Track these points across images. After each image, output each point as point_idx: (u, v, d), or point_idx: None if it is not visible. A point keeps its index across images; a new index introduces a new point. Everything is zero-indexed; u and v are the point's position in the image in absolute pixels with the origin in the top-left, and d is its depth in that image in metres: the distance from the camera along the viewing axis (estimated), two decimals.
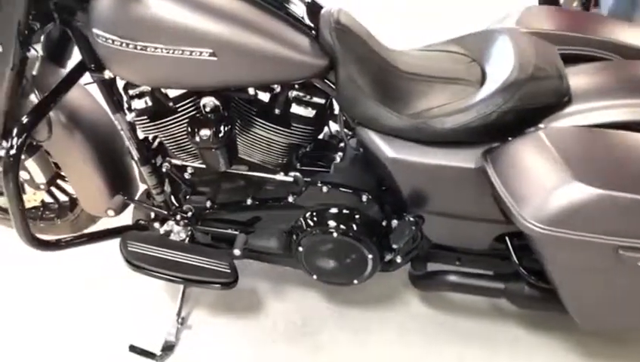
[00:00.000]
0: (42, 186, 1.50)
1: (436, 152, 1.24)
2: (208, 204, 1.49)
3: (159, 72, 1.20)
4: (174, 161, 1.46)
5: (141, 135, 1.41)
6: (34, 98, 1.33)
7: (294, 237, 1.47)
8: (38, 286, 1.79)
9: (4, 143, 1.27)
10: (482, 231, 1.35)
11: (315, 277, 1.52)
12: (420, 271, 1.53)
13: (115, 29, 1.14)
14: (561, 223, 1.03)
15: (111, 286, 1.77)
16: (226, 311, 1.70)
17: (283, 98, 1.32)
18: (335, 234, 1.40)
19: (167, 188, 1.49)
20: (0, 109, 1.30)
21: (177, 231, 1.54)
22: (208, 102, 1.29)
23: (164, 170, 1.45)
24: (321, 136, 1.48)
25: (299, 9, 1.26)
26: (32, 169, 1.46)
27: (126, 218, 1.60)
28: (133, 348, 1.57)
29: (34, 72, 1.32)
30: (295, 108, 1.33)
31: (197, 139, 1.28)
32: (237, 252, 1.43)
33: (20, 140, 1.23)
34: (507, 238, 1.37)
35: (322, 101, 1.33)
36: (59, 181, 1.64)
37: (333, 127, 1.47)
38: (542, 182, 1.06)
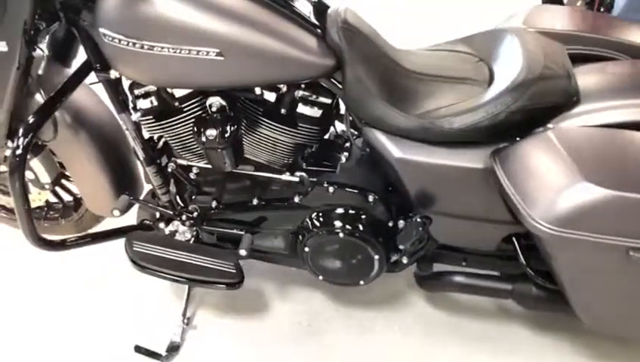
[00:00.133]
0: (47, 186, 1.50)
1: (444, 152, 1.23)
2: (214, 204, 1.49)
3: (166, 71, 1.20)
4: (180, 161, 1.45)
5: (146, 135, 1.40)
6: (39, 97, 1.33)
7: (300, 237, 1.46)
8: (43, 287, 1.79)
9: (10, 143, 1.27)
10: (490, 231, 1.34)
11: (320, 277, 1.52)
12: (426, 272, 1.53)
13: (122, 29, 1.14)
14: (570, 224, 1.03)
15: (116, 287, 1.76)
16: (232, 311, 1.70)
17: (289, 98, 1.32)
18: (341, 235, 1.40)
19: (173, 188, 1.49)
20: (5, 109, 1.29)
21: (183, 231, 1.53)
22: (214, 102, 1.29)
23: (169, 170, 1.45)
24: (326, 136, 1.47)
25: (305, 8, 1.25)
26: (37, 169, 1.46)
27: (131, 218, 1.60)
28: (138, 349, 1.57)
29: (39, 72, 1.31)
30: (301, 108, 1.32)
31: (203, 139, 1.27)
32: (243, 252, 1.42)
33: (26, 140, 1.22)
34: (514, 239, 1.36)
35: (329, 101, 1.33)
36: (63, 181, 1.64)
37: (339, 126, 1.47)
38: (551, 182, 1.05)
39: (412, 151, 1.24)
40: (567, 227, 1.04)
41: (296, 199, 1.42)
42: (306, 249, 1.46)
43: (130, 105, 1.33)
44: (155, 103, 1.30)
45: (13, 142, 1.24)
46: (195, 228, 1.53)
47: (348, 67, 1.22)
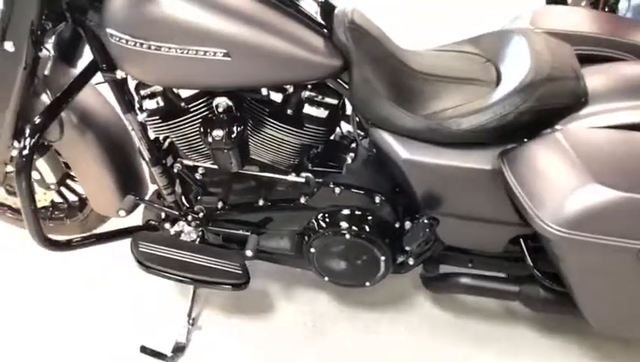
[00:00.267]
0: (53, 186, 1.50)
1: (451, 153, 1.22)
2: (219, 204, 1.48)
3: (172, 72, 1.19)
4: (185, 162, 1.45)
5: (152, 135, 1.40)
6: (45, 98, 1.32)
7: (306, 238, 1.46)
8: (47, 287, 1.79)
9: (16, 144, 1.27)
10: (497, 233, 1.34)
11: (326, 278, 1.52)
12: (433, 273, 1.52)
13: (129, 29, 1.13)
14: (580, 226, 1.02)
15: (119, 287, 1.76)
16: (237, 311, 1.69)
17: (296, 98, 1.31)
18: (347, 236, 1.39)
19: (178, 188, 1.49)
20: (12, 109, 1.29)
21: (188, 232, 1.53)
22: (221, 102, 1.28)
23: (175, 170, 1.44)
24: (332, 137, 1.47)
25: (312, 8, 1.25)
26: (43, 169, 1.45)
27: (136, 218, 1.60)
28: (144, 349, 1.57)
29: (46, 72, 1.31)
30: (308, 109, 1.32)
31: (209, 139, 1.27)
32: (249, 253, 1.42)
33: (33, 141, 1.22)
34: (522, 240, 1.35)
35: (335, 101, 1.32)
36: (68, 181, 1.63)
37: (345, 127, 1.46)
38: (560, 183, 1.04)
39: (419, 152, 1.23)
40: (576, 229, 1.03)
41: (302, 200, 1.42)
42: (312, 250, 1.45)
43: (137, 105, 1.33)
44: (162, 104, 1.30)
45: (19, 142, 1.24)
46: (200, 229, 1.53)
47: (355, 68, 1.21)
